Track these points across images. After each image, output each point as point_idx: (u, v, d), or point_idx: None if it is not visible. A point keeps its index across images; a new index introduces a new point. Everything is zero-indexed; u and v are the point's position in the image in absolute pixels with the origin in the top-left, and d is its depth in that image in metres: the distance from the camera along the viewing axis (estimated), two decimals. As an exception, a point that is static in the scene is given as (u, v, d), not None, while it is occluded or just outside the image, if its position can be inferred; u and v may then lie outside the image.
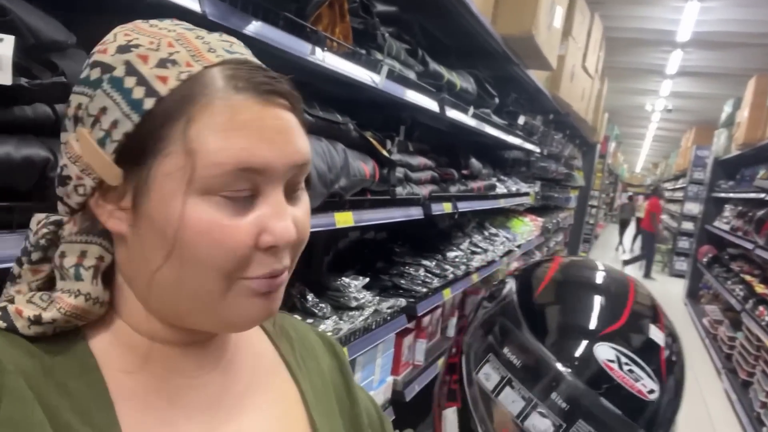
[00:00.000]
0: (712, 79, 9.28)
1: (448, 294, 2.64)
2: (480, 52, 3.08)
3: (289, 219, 0.50)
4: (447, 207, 2.58)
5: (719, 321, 6.19)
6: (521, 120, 3.77)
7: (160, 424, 0.51)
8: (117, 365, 0.51)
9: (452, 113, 2.49)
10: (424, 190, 2.33)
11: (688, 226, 10.68)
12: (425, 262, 2.61)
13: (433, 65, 2.32)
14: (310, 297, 1.76)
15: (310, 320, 1.71)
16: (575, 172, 8.01)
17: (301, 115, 0.53)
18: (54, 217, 0.53)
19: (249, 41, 1.24)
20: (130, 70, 0.48)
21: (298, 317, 1.72)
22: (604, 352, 0.58)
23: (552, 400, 0.58)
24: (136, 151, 0.48)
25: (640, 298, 0.67)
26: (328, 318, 1.75)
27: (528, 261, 0.72)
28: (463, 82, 2.64)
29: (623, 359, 0.57)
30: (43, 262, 0.53)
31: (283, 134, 0.50)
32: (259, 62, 0.53)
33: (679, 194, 12.48)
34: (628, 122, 15.62)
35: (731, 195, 7.07)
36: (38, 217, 0.53)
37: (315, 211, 1.56)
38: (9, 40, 0.75)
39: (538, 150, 4.72)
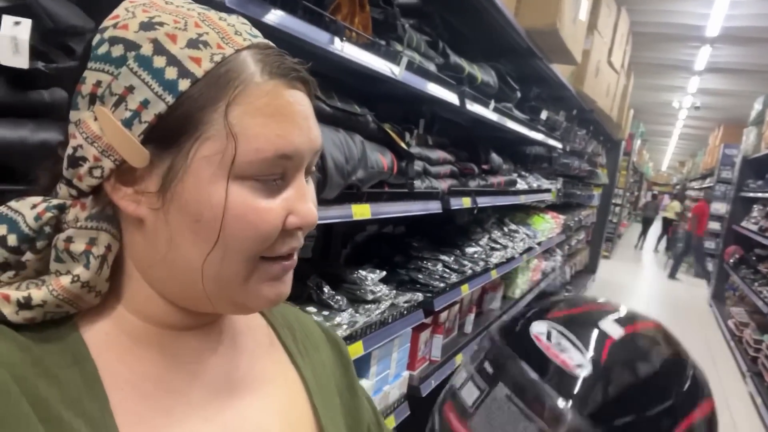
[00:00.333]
0: (741, 76, 9.05)
1: (466, 290, 2.61)
2: (502, 45, 3.04)
3: (311, 202, 0.53)
4: (466, 202, 2.55)
5: (745, 323, 6.06)
6: (544, 115, 3.72)
7: (157, 412, 0.50)
8: (112, 353, 0.50)
9: (473, 107, 2.46)
10: (443, 184, 2.31)
11: (714, 226, 10.46)
12: (443, 257, 2.59)
13: (454, 57, 2.29)
14: (326, 289, 1.76)
15: (325, 312, 1.71)
16: (599, 169, 7.88)
17: (314, 101, 0.54)
18: (55, 201, 0.50)
19: (267, 30, 1.24)
20: (159, 48, 0.47)
21: (314, 309, 1.73)
22: (538, 326, 0.60)
23: (483, 366, 0.61)
24: (169, 133, 0.47)
25: (622, 310, 0.66)
26: (343, 310, 1.74)
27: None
28: (484, 75, 2.60)
29: (554, 333, 0.58)
30: (45, 250, 0.50)
31: (308, 120, 0.52)
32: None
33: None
34: (654, 119, 15.34)
35: (760, 195, 6.91)
36: (33, 200, 0.50)
37: (332, 202, 1.55)
38: (26, 24, 0.76)
39: (560, 146, 4.65)
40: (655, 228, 15.76)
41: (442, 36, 2.29)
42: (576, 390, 0.55)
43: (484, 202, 2.82)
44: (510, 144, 3.89)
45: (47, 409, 0.44)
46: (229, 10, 1.10)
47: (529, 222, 4.37)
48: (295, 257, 0.54)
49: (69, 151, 0.49)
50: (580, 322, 0.61)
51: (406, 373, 2.29)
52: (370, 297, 1.88)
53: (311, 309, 1.70)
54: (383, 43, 1.69)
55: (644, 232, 15.29)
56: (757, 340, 5.34)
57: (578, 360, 0.56)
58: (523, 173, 3.92)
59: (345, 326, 1.70)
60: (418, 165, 2.05)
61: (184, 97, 0.46)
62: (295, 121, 0.50)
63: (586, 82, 4.55)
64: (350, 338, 1.72)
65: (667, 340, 0.63)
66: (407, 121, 2.18)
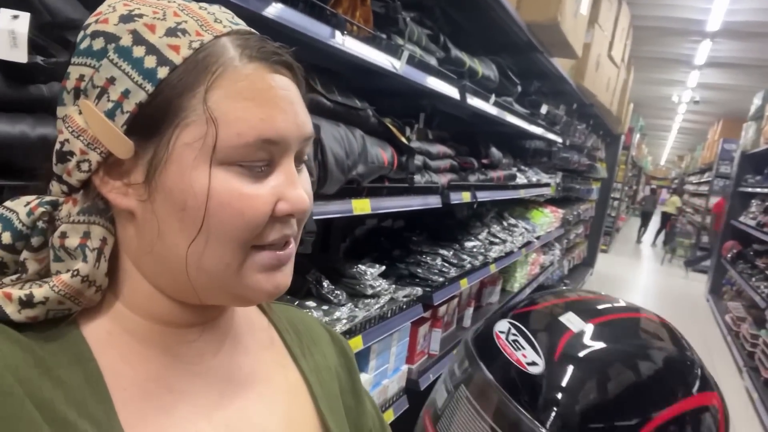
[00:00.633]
0: (741, 71, 9.03)
1: (465, 284, 2.61)
2: (503, 39, 3.02)
3: (301, 188, 0.51)
4: (466, 196, 2.55)
5: (742, 318, 6.08)
6: (544, 109, 3.71)
7: (160, 412, 0.50)
8: (114, 353, 0.50)
9: (473, 101, 2.45)
10: (443, 179, 2.31)
11: (712, 220, 10.49)
12: (442, 252, 2.59)
13: (455, 51, 2.28)
14: (325, 283, 1.76)
15: (325, 306, 1.71)
16: (598, 163, 7.88)
17: (303, 88, 0.53)
18: (48, 198, 0.50)
19: (268, 23, 1.23)
20: (138, 39, 0.47)
21: (313, 303, 1.73)
22: (500, 325, 0.60)
23: (453, 369, 0.62)
24: (151, 122, 0.47)
25: (594, 296, 0.65)
26: (343, 305, 1.74)
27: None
28: (485, 69, 2.59)
29: (512, 331, 0.58)
30: (43, 248, 0.50)
31: (294, 105, 0.50)
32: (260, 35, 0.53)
33: (704, 188, 12.24)
34: (654, 114, 15.32)
35: (758, 190, 6.91)
36: (27, 199, 0.50)
37: (332, 197, 1.54)
38: (25, 18, 0.75)
39: (560, 140, 4.64)
40: (654, 222, 15.80)
41: (443, 29, 2.27)
42: (530, 388, 0.54)
43: (483, 196, 2.81)
44: (510, 138, 3.88)
45: (52, 410, 0.43)
46: (230, 5, 1.09)
47: (528, 216, 4.37)
48: (292, 247, 0.53)
49: (57, 146, 0.49)
50: (542, 317, 0.61)
51: (404, 367, 2.30)
52: (369, 291, 1.88)
53: (311, 303, 1.70)
54: (384, 36, 1.68)
55: (644, 226, 15.36)
56: (754, 334, 5.36)
57: (532, 357, 0.56)
58: (522, 167, 3.91)
59: (344, 321, 1.69)
60: (418, 159, 2.04)
61: (164, 85, 0.46)
62: (279, 106, 0.49)
63: (587, 76, 4.54)
64: (349, 333, 1.72)
65: (643, 331, 0.61)
66: (407, 115, 2.17)
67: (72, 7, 0.84)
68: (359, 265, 1.96)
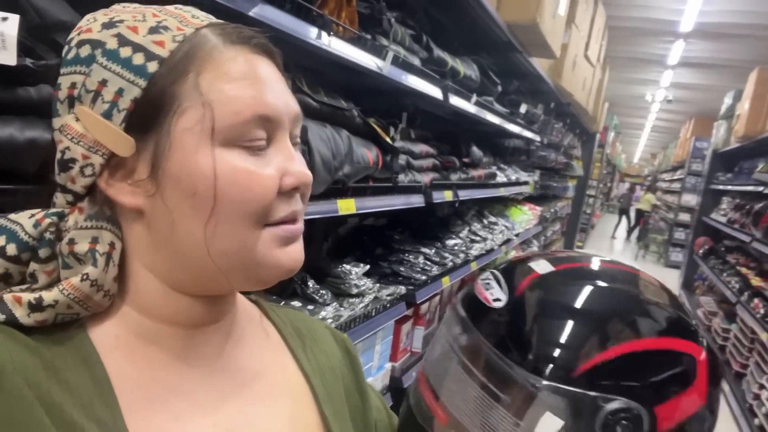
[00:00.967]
0: (713, 71, 9.24)
1: (446, 282, 2.64)
2: (483, 38, 3.05)
3: (300, 163, 0.54)
4: (448, 195, 2.57)
5: (714, 312, 6.23)
6: (523, 108, 3.75)
7: (165, 415, 0.50)
8: (120, 356, 0.50)
9: (455, 100, 2.47)
10: (425, 178, 2.32)
11: (684, 217, 10.71)
12: (425, 250, 2.61)
13: (438, 51, 2.30)
14: (311, 283, 1.76)
15: (310, 306, 1.71)
16: (574, 161, 8.00)
17: (282, 71, 0.56)
18: (53, 210, 0.51)
19: (256, 25, 1.22)
20: (123, 40, 0.49)
21: (299, 303, 1.73)
22: (483, 275, 0.64)
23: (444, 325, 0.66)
24: (148, 115, 0.48)
25: (571, 253, 0.68)
26: (328, 305, 1.75)
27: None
28: (467, 69, 2.61)
29: (489, 277, 0.62)
30: (51, 260, 0.50)
31: (280, 84, 0.53)
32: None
33: (676, 185, 12.49)
34: (628, 112, 15.57)
35: (729, 187, 7.07)
36: (30, 211, 0.50)
37: (318, 197, 1.55)
38: (14, 20, 0.74)
39: (538, 139, 4.71)
40: (631, 219, 16.08)
41: (424, 29, 2.29)
42: (491, 320, 0.58)
43: (465, 195, 2.84)
44: (490, 136, 3.92)
45: (61, 413, 0.44)
46: (217, 5, 1.09)
47: (508, 214, 4.41)
48: (301, 223, 0.55)
49: (57, 156, 0.50)
50: (517, 265, 0.64)
51: (388, 365, 2.31)
52: (354, 291, 1.89)
53: (296, 303, 1.70)
54: (369, 37, 1.69)
55: (619, 224, 15.63)
56: (725, 328, 5.50)
57: (497, 294, 0.59)
58: (502, 166, 3.95)
59: (330, 320, 1.70)
60: (401, 159, 2.05)
61: (156, 77, 0.48)
62: (267, 83, 0.51)
63: (564, 75, 4.60)
64: (335, 332, 1.72)
65: (614, 276, 0.62)
66: (390, 114, 2.18)
67: (61, 8, 0.84)
68: (344, 265, 1.97)
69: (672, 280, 9.89)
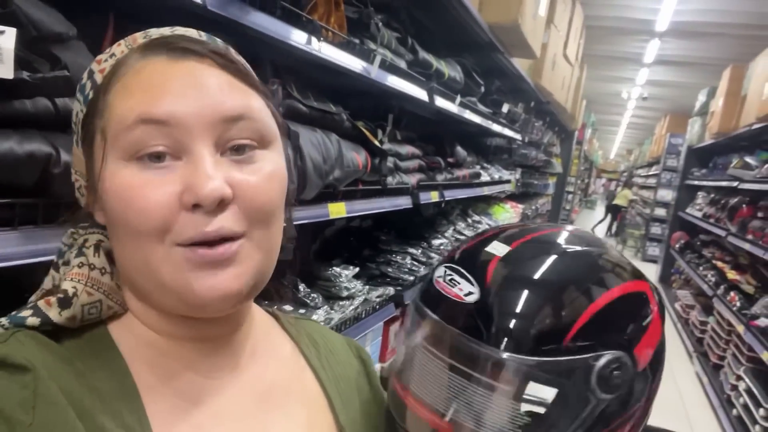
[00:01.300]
0: (687, 69, 9.42)
1: (434, 282, 2.65)
2: (465, 38, 3.07)
3: (217, 177, 0.47)
4: (434, 196, 2.59)
5: (691, 306, 6.35)
6: (505, 108, 3.79)
7: (188, 427, 0.51)
8: (142, 366, 0.52)
9: (440, 102, 2.49)
10: (412, 179, 2.34)
11: (660, 212, 10.88)
12: (411, 250, 2.62)
13: (423, 54, 2.31)
14: (301, 287, 1.76)
15: (302, 310, 1.72)
16: (554, 159, 8.09)
17: (243, 74, 0.53)
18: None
19: (247, 31, 1.22)
20: (89, 74, 0.53)
21: (290, 307, 1.73)
22: (438, 272, 0.63)
23: (408, 328, 0.66)
24: (86, 134, 0.52)
25: (523, 226, 0.69)
26: (319, 308, 1.75)
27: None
28: (451, 70, 2.63)
29: (448, 272, 0.62)
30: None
31: (197, 89, 0.49)
32: (199, 33, 0.54)
33: (652, 181, 12.70)
34: (604, 109, 15.79)
35: (704, 183, 7.22)
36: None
37: (309, 202, 1.55)
38: (11, 33, 0.73)
39: (519, 137, 4.75)
40: (599, 214, 16.31)
41: (409, 31, 2.30)
42: (469, 316, 0.58)
43: (450, 195, 2.86)
44: (472, 136, 3.95)
45: (92, 420, 0.45)
46: (211, 13, 1.09)
47: (491, 212, 4.46)
48: (228, 247, 0.48)
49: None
50: (471, 253, 0.64)
51: (378, 366, 2.32)
52: (344, 293, 1.90)
53: (287, 308, 1.70)
54: (357, 41, 1.69)
55: (605, 218, 15.78)
56: (703, 321, 5.61)
57: (468, 289, 0.59)
58: (485, 165, 3.99)
59: (321, 323, 1.70)
60: (389, 161, 2.06)
61: (90, 102, 0.51)
62: (171, 90, 0.48)
63: (544, 74, 4.65)
64: (327, 336, 1.73)
65: (561, 241, 0.64)
66: (376, 115, 2.19)
67: (56, 20, 0.83)
68: (334, 268, 1.97)
69: (649, 273, 10.02)
